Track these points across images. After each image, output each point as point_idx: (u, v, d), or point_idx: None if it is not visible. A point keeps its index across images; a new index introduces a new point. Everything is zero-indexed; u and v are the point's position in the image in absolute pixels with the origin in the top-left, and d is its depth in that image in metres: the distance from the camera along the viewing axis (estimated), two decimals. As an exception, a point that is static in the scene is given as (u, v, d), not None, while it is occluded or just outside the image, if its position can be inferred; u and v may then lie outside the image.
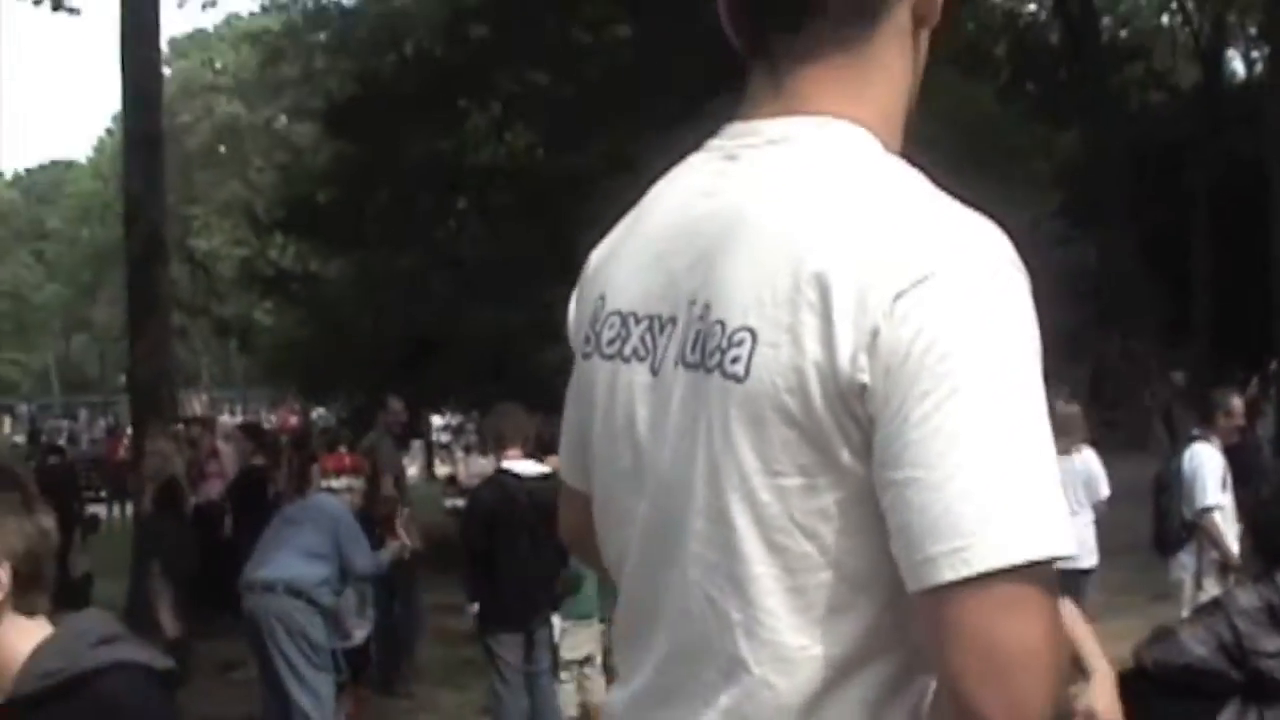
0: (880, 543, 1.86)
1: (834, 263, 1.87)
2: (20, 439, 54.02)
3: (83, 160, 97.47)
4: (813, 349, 1.86)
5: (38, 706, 3.05)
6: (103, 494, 31.97)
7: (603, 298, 2.23)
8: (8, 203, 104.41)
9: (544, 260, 20.81)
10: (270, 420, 49.38)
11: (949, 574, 1.76)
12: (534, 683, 10.18)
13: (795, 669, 1.95)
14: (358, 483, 11.92)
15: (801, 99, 2.08)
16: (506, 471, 10.24)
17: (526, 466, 10.22)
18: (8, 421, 68.52)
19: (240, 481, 15.67)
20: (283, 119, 60.20)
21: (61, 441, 43.43)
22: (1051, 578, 1.79)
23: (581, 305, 2.32)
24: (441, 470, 39.36)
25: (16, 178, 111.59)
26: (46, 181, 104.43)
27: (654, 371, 2.10)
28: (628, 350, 2.16)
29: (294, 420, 43.93)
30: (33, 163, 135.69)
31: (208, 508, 17.00)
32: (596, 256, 2.33)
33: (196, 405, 46.21)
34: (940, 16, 2.16)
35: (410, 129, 24.16)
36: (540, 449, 10.53)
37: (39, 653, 3.10)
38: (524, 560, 9.95)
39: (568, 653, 10.47)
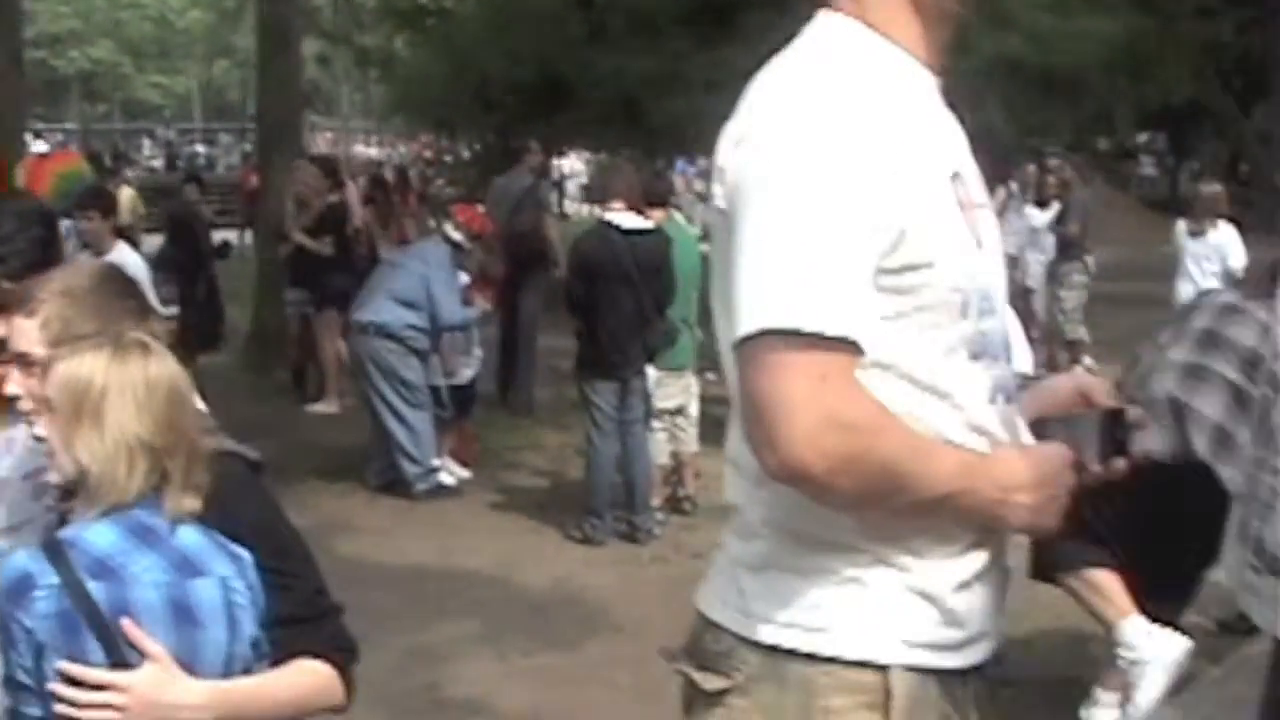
0: None
1: (727, 127, 2.50)
2: (158, 163, 54.61)
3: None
4: (713, 187, 2.51)
5: None
6: (236, 220, 32.01)
7: None
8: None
9: (676, 7, 20.69)
10: (402, 153, 49.66)
11: (733, 336, 2.34)
12: (627, 430, 10.47)
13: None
14: (477, 248, 12.21)
15: None
16: (610, 224, 10.41)
17: (629, 220, 10.39)
18: (147, 144, 69.04)
19: (319, 222, 15.65)
20: None
21: (198, 164, 44.00)
22: (819, 346, 2.25)
23: None
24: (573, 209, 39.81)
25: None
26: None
27: None
28: None
29: (427, 154, 44.19)
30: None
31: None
32: None
33: (321, 143, 46.53)
34: None
35: None
36: (646, 203, 10.66)
37: None
38: (621, 311, 10.12)
39: (661, 402, 10.65)
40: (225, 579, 2.96)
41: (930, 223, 2.40)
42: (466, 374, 12.35)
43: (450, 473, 12.13)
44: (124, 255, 10.20)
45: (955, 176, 2.51)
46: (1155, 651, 6.36)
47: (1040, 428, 2.66)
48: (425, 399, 11.75)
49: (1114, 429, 2.63)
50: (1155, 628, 6.47)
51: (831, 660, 2.46)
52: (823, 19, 2.57)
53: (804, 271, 2.26)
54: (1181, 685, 7.06)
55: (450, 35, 26.39)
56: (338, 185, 16.59)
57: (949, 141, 2.57)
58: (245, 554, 3.01)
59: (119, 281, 3.38)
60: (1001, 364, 2.58)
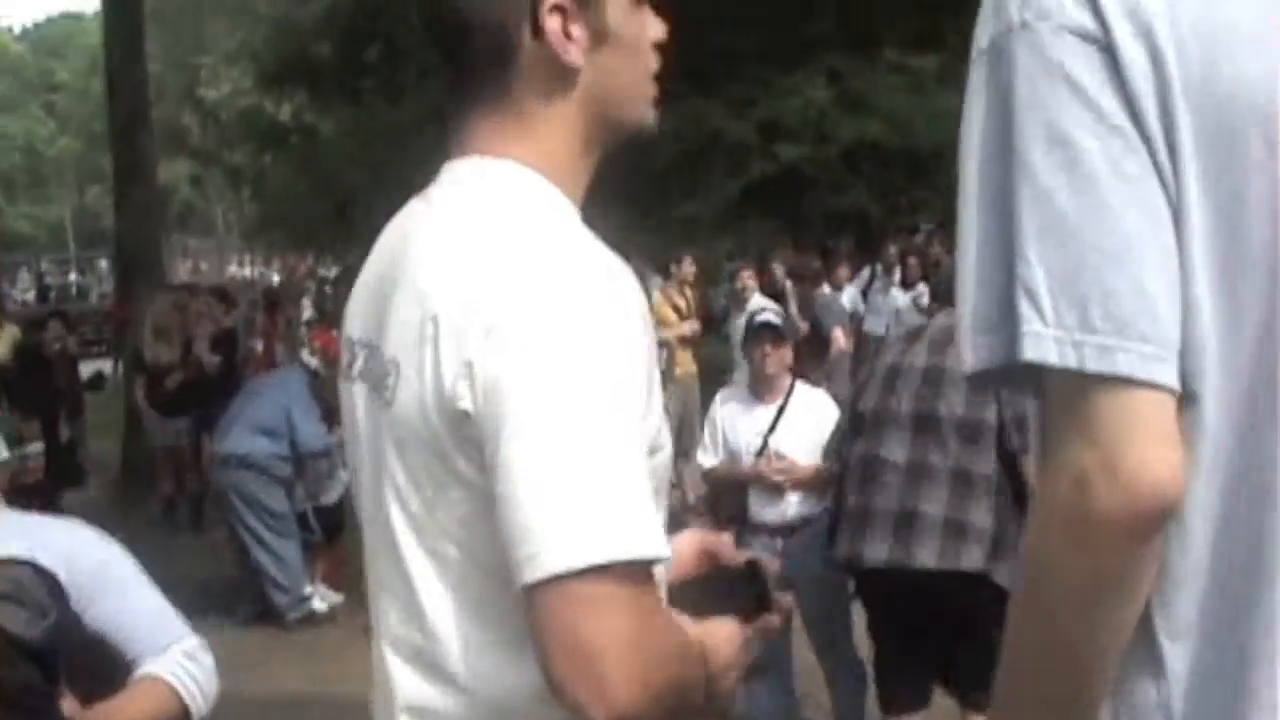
0: None
1: (443, 305, 2.13)
2: (30, 295, 54.26)
3: (90, 13, 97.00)
4: (430, 379, 2.12)
5: None
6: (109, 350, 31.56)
7: (344, 331, 2.52)
8: (17, 57, 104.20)
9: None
10: (275, 272, 49.59)
11: (528, 577, 1.98)
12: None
13: (462, 660, 2.20)
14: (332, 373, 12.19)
15: (474, 141, 2.32)
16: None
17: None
18: (25, 276, 68.48)
19: (215, 346, 15.99)
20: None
21: (71, 294, 43.60)
22: (637, 576, 2.01)
23: (341, 334, 2.60)
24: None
25: (25, 31, 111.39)
26: (56, 35, 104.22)
27: (369, 389, 2.36)
28: (355, 372, 2.43)
29: (303, 269, 44.14)
30: (41, 16, 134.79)
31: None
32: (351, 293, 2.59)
33: (182, 271, 46.56)
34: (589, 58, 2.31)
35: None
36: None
37: None
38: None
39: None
40: None
41: (658, 396, 2.22)
42: (331, 496, 12.25)
43: (322, 598, 12.05)
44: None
45: None
46: None
47: (675, 595, 2.46)
48: (292, 527, 11.71)
49: (754, 584, 2.54)
50: None
51: None
52: (489, 165, 2.30)
53: (610, 494, 2.00)
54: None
55: (312, 153, 26.46)
56: (230, 310, 16.80)
57: None
58: None
59: None
60: None
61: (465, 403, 2.08)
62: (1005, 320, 1.77)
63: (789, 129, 23.35)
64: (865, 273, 22.19)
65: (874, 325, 19.96)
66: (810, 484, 7.65)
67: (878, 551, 6.46)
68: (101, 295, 49.77)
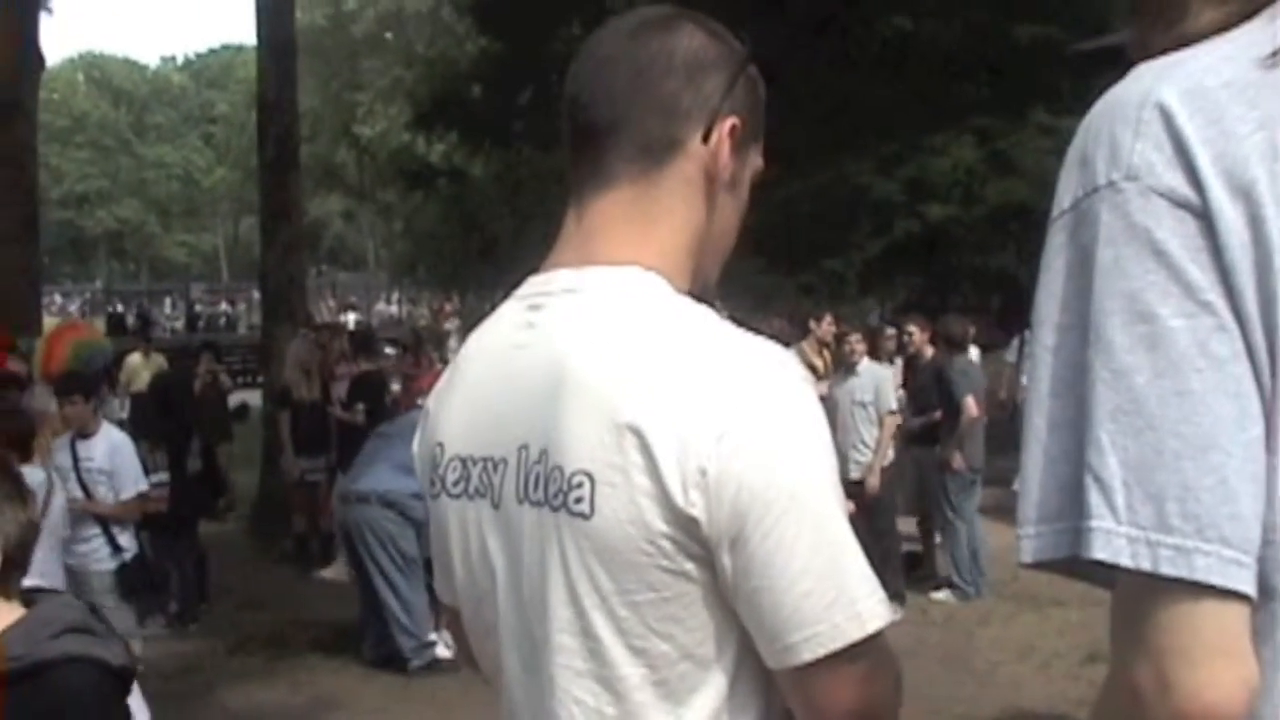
0: (721, 629, 2.18)
1: (643, 415, 2.11)
2: (179, 324, 54.89)
3: (252, 44, 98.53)
4: (643, 483, 2.10)
5: (2, 687, 3.25)
6: (258, 380, 31.73)
7: (441, 445, 2.47)
8: (178, 87, 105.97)
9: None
10: (423, 311, 49.81)
11: (807, 655, 2.11)
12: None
13: None
14: None
15: (596, 244, 2.29)
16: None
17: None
18: (169, 304, 69.30)
19: (351, 389, 16.10)
20: (447, 7, 59.79)
21: (219, 324, 44.01)
22: (884, 640, 2.16)
23: (424, 448, 2.55)
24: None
25: (187, 62, 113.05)
26: (217, 66, 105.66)
27: (495, 505, 2.34)
28: (470, 489, 2.39)
29: (448, 309, 44.33)
30: (203, 47, 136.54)
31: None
32: (432, 404, 2.56)
33: (324, 310, 46.89)
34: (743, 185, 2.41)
35: (554, 24, 24.15)
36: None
37: (3, 636, 3.29)
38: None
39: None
40: None
41: None
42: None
43: (446, 645, 12.04)
44: (110, 434, 10.40)
45: None
46: None
47: None
48: (420, 572, 11.67)
49: None
50: None
51: None
52: (616, 274, 2.28)
53: (859, 569, 2.15)
54: None
55: (460, 195, 26.54)
56: (369, 355, 16.92)
57: None
58: None
59: None
60: None
61: (697, 509, 2.09)
62: (1071, 510, 1.64)
63: (936, 189, 23.30)
64: (1017, 340, 22.07)
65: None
66: None
67: None
68: (250, 327, 50.18)
